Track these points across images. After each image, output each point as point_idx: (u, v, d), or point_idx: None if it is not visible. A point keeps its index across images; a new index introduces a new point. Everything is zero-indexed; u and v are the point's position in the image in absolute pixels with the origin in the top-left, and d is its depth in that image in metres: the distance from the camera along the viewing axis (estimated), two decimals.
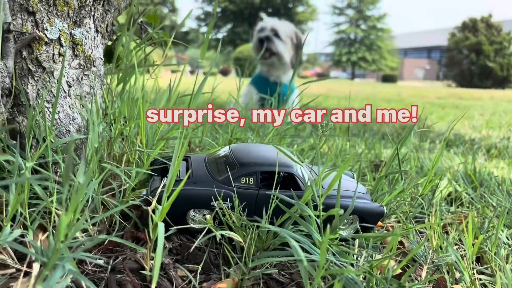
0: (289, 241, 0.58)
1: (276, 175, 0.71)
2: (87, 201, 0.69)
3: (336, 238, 0.68)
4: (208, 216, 0.69)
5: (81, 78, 0.80)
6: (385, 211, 0.76)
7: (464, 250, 0.80)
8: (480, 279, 0.76)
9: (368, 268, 0.58)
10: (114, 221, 0.74)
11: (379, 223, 0.80)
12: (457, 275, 0.76)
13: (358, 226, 0.76)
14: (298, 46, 2.80)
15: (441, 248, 0.81)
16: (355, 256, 0.68)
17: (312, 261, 0.60)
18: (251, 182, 0.71)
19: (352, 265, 0.65)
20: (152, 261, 0.60)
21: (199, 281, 0.62)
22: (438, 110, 4.51)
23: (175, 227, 0.69)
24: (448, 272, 0.75)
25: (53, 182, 0.64)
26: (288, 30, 2.74)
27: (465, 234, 0.76)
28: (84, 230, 0.68)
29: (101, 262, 0.60)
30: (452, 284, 0.73)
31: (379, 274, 0.62)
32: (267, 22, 2.75)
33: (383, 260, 0.61)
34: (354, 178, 0.88)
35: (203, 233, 0.68)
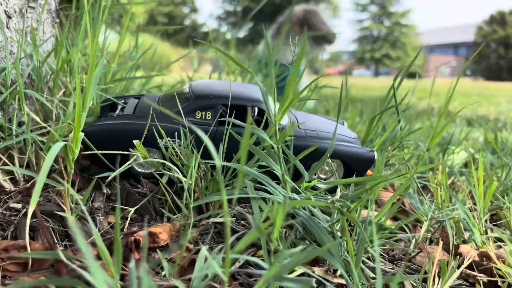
0: (253, 175, 0.46)
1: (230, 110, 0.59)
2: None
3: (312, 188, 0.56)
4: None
5: (26, 10, 0.71)
6: (375, 157, 0.63)
7: (475, 204, 0.66)
8: (495, 240, 0.62)
9: (341, 207, 0.45)
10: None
11: (369, 171, 0.67)
12: (466, 235, 0.63)
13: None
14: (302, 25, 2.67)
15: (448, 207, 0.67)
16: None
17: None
18: (208, 117, 0.59)
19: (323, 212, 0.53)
20: (72, 203, 0.49)
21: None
22: (461, 97, 4.28)
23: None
24: (453, 230, 0.62)
25: None
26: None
27: (476, 183, 0.61)
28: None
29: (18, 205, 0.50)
30: (460, 244, 0.60)
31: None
32: None
33: (359, 203, 0.48)
34: (344, 126, 0.75)
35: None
